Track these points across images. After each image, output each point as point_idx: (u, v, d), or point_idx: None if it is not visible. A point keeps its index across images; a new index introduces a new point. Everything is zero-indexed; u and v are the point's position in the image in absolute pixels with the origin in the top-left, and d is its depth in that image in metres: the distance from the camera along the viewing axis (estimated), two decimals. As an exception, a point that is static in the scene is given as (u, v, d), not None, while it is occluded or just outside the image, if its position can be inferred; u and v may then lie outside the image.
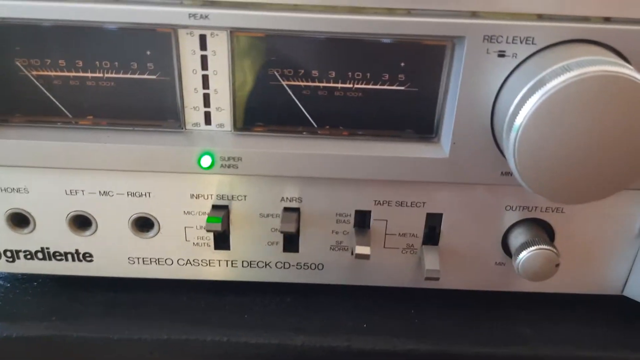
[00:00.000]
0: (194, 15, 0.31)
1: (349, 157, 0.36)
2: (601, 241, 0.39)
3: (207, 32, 0.33)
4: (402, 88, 0.36)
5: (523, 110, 0.30)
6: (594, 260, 0.40)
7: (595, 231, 0.39)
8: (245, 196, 0.38)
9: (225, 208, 0.38)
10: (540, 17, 0.32)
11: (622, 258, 0.40)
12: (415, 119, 0.36)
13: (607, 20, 0.32)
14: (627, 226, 0.39)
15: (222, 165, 0.35)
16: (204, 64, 0.34)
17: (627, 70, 0.29)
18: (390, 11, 0.32)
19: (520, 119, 0.30)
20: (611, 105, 0.29)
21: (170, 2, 0.32)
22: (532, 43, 0.32)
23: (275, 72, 0.35)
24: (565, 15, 0.32)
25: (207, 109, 0.35)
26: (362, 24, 0.32)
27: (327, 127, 0.37)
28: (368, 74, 0.35)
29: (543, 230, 0.39)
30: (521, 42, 0.32)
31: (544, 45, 0.32)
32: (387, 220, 0.39)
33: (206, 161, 0.35)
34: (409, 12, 0.32)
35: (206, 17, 0.31)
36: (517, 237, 0.38)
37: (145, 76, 0.35)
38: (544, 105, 0.29)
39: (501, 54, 0.32)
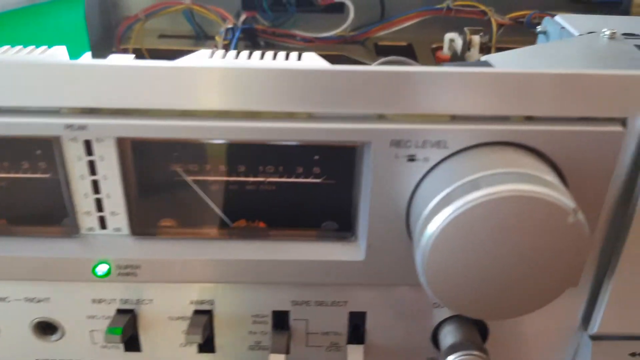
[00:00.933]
0: (70, 127, 0.29)
1: (261, 262, 0.33)
2: (540, 335, 0.37)
3: (92, 137, 0.30)
4: (319, 181, 0.33)
5: (430, 226, 0.27)
6: (533, 354, 0.38)
7: (533, 326, 0.36)
8: (151, 300, 0.35)
9: (131, 312, 0.35)
10: (454, 118, 0.29)
11: (562, 351, 0.37)
12: (333, 214, 0.34)
13: (529, 119, 0.30)
14: (568, 320, 0.36)
15: (119, 274, 0.33)
16: (92, 169, 0.31)
17: (539, 188, 0.26)
18: (290, 115, 0.29)
19: (427, 237, 0.27)
20: (523, 224, 0.27)
21: (47, 111, 0.29)
22: (445, 147, 0.29)
23: (178, 169, 0.32)
24: (481, 115, 0.29)
25: (100, 214, 0.32)
26: (259, 131, 0.29)
27: (239, 224, 0.34)
28: (280, 167, 0.32)
29: (474, 327, 0.36)
30: (432, 147, 0.29)
31: (457, 149, 0.29)
32: (307, 320, 0.36)
33: (102, 269, 0.32)
34: (309, 116, 0.29)
35: (84, 127, 0.29)
36: (446, 337, 0.35)
37: (38, 175, 0.32)
38: (452, 224, 0.27)
39: (411, 159, 0.30)
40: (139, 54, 0.64)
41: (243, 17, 0.66)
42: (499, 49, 0.59)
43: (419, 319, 0.36)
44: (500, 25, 0.62)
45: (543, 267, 0.28)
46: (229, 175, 0.33)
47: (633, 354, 0.36)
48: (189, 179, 0.33)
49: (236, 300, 0.35)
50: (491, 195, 0.26)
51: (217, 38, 0.63)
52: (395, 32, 0.67)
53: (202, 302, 0.35)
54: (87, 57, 0.63)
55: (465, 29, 0.56)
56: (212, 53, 0.36)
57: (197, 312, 0.35)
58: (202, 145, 0.31)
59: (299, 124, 0.29)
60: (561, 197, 0.26)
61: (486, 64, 0.32)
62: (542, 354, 0.37)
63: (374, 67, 0.29)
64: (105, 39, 0.68)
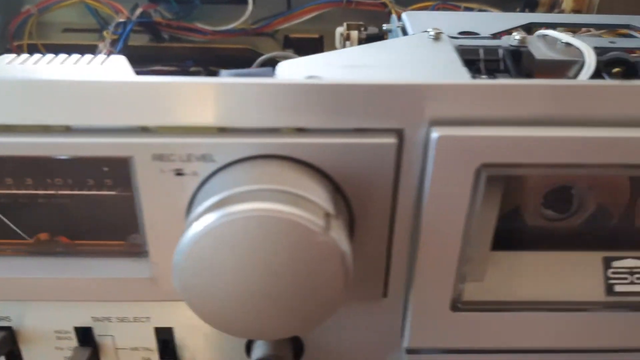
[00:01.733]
0: None
1: (48, 280, 0.32)
2: (360, 350, 0.36)
3: None
4: (113, 193, 0.32)
5: (180, 244, 0.26)
6: (355, 367, 0.37)
7: (351, 340, 0.35)
8: (-55, 316, 0.34)
9: None
10: (222, 130, 0.28)
11: (385, 365, 0.36)
12: (127, 229, 0.32)
13: (301, 131, 0.28)
14: (387, 334, 0.35)
15: None
16: None
17: (282, 207, 0.25)
18: (46, 129, 0.28)
19: (176, 256, 0.26)
20: (271, 243, 0.26)
21: None
22: (211, 160, 0.28)
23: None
24: (251, 127, 0.28)
25: None
26: (12, 147, 0.28)
27: (41, 238, 0.33)
28: (69, 180, 0.31)
29: (287, 341, 0.35)
30: (198, 160, 0.28)
31: (225, 162, 0.28)
32: (113, 336, 0.35)
33: None
34: (67, 129, 0.28)
35: None
36: (256, 350, 0.34)
37: None
38: (198, 243, 0.26)
39: (179, 173, 0.28)
40: (35, 50, 0.63)
41: (139, 10, 0.64)
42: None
43: (231, 332, 0.35)
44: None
45: (305, 284, 0.26)
46: (17, 188, 0.31)
47: (451, 368, 0.35)
48: (-27, 192, 0.31)
49: (35, 316, 0.34)
50: (233, 215, 0.25)
51: (105, 33, 0.61)
52: (307, 24, 0.66)
53: (-2, 319, 0.34)
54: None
55: (345, 23, 0.55)
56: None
57: (-4, 328, 0.34)
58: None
59: (55, 138, 0.28)
60: (308, 215, 0.25)
61: (269, 72, 0.31)
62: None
63: (133, 78, 0.27)
64: (4, 35, 0.66)
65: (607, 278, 0.33)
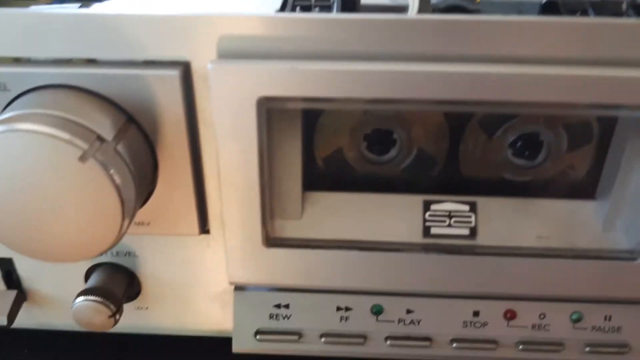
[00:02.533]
0: None
1: None
2: (198, 287, 0.37)
3: None
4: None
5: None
6: (197, 306, 0.38)
7: (185, 278, 0.36)
8: None
9: None
10: (17, 60, 0.29)
11: (225, 302, 0.37)
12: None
13: (91, 62, 0.29)
14: (218, 272, 0.36)
15: None
16: None
17: (45, 129, 0.26)
18: None
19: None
20: (36, 165, 0.26)
21: None
22: (6, 89, 0.29)
23: None
24: (44, 58, 0.29)
25: None
26: None
27: None
28: None
29: (123, 275, 0.36)
30: (-5, 88, 0.29)
31: (18, 92, 0.29)
32: (-41, 264, 0.37)
33: None
34: None
35: None
36: (90, 280, 0.36)
37: None
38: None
39: (-22, 101, 0.30)
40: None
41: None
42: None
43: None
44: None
45: (78, 209, 0.27)
46: None
47: (278, 306, 0.36)
48: None
49: None
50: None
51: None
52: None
53: None
54: None
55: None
56: None
57: None
58: None
59: None
60: (70, 136, 0.26)
61: (85, 5, 0.32)
62: (206, 305, 0.37)
63: None
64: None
65: (425, 220, 0.33)
